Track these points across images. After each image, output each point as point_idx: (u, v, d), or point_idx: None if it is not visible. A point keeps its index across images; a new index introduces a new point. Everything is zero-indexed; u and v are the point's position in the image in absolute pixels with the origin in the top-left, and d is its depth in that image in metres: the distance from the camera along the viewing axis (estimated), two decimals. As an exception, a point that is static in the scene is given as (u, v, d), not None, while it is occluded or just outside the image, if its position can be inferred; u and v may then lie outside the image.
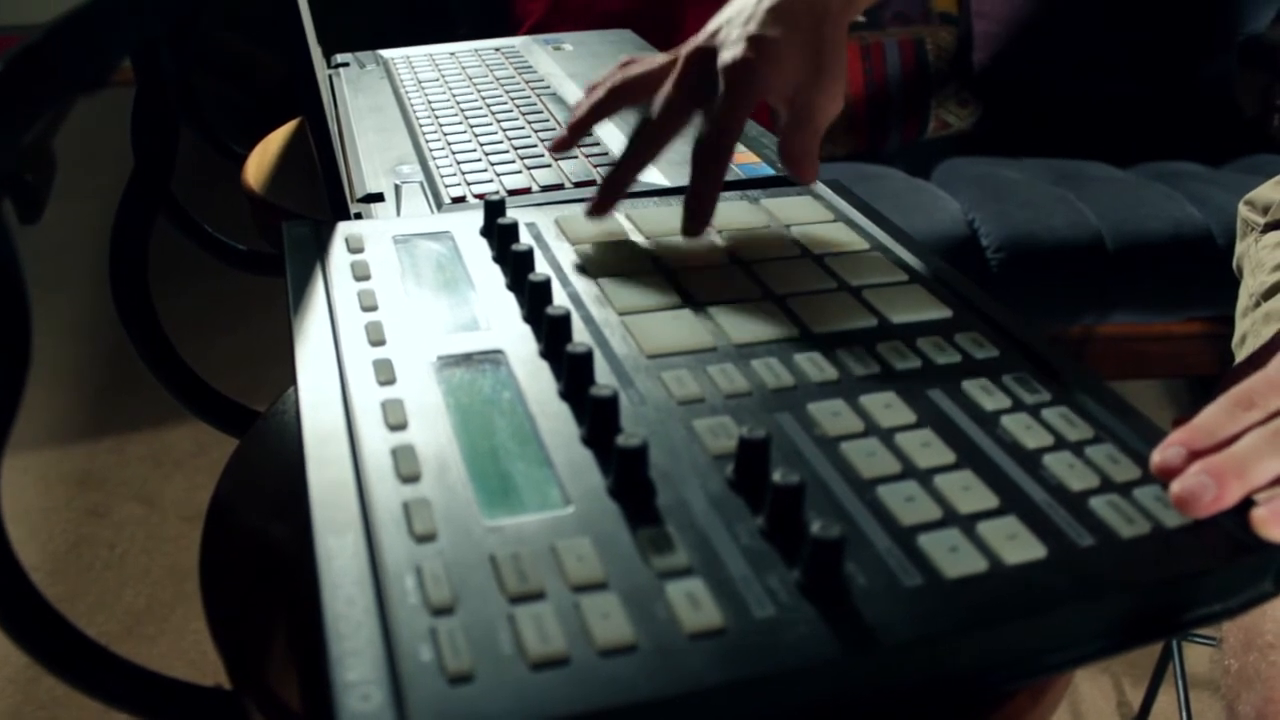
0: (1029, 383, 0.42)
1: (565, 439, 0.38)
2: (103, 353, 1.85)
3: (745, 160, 0.66)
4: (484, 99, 0.80)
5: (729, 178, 0.63)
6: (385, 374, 0.41)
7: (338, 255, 0.51)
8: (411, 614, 0.30)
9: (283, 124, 0.97)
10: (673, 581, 0.31)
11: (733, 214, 0.57)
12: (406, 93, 0.82)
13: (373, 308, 0.46)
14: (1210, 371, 1.34)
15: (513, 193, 0.62)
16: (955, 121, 1.56)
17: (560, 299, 0.48)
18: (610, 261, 0.51)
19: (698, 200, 0.52)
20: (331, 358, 0.42)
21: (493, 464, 0.36)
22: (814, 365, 0.43)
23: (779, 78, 0.52)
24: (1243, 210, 0.76)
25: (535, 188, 0.63)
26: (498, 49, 0.94)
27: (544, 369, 0.42)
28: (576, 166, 0.66)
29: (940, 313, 0.47)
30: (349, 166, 0.66)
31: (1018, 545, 0.33)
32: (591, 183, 0.63)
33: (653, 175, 0.63)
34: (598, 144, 0.67)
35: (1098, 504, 0.35)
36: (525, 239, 0.53)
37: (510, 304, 0.47)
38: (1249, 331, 0.68)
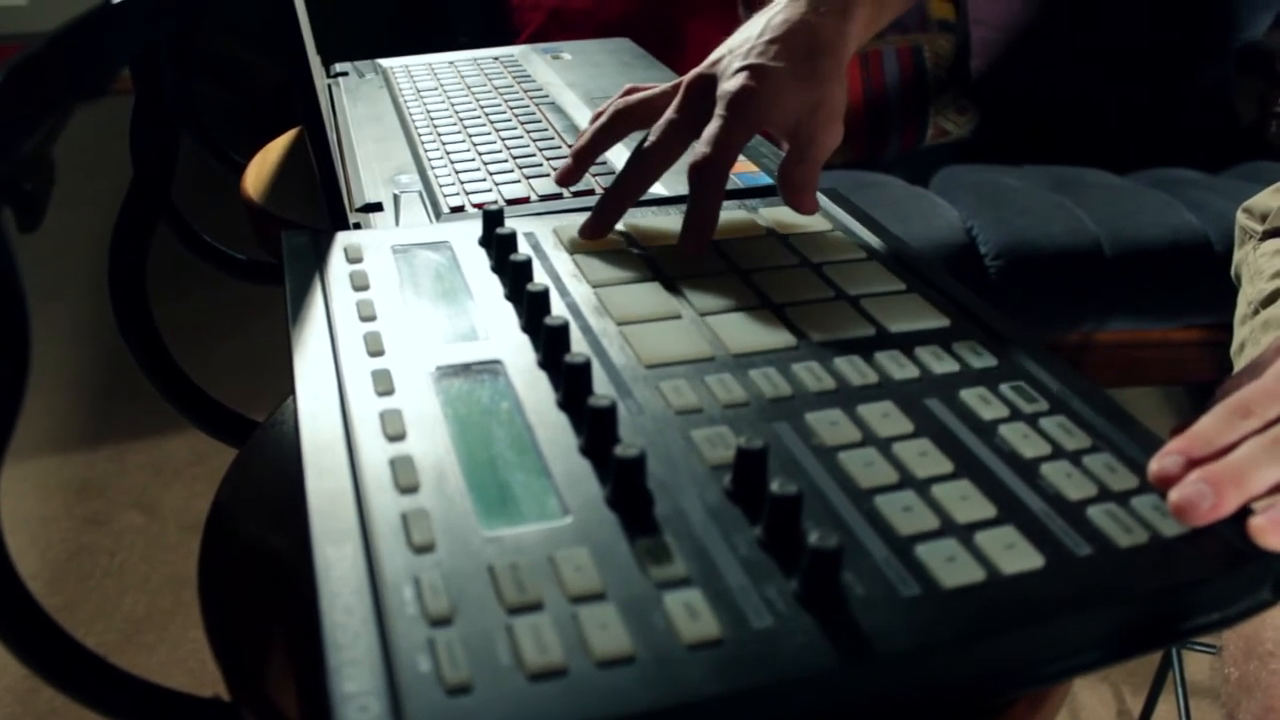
0: (1026, 392, 0.42)
1: (563, 449, 0.38)
2: (102, 361, 1.85)
3: (744, 170, 0.66)
4: (483, 108, 0.80)
5: (728, 187, 0.63)
6: (384, 384, 0.41)
7: (336, 265, 0.51)
8: (410, 624, 0.30)
9: (282, 133, 0.97)
10: (671, 592, 0.31)
11: (731, 223, 0.57)
12: (405, 102, 0.82)
13: (371, 318, 0.46)
14: (1209, 378, 1.34)
15: (511, 202, 0.63)
16: (953, 129, 1.56)
17: (558, 309, 0.48)
18: (608, 271, 0.51)
19: (695, 222, 0.53)
20: (330, 368, 0.42)
21: (491, 474, 0.36)
22: (812, 375, 0.43)
23: (778, 108, 0.53)
24: (1241, 218, 0.76)
25: (534, 197, 0.63)
26: (496, 58, 0.94)
27: (542, 379, 0.42)
28: (575, 177, 0.66)
29: (938, 322, 0.47)
30: (348, 176, 0.66)
31: (1015, 555, 0.33)
32: (590, 193, 0.63)
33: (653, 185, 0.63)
34: (604, 163, 0.67)
35: (1095, 513, 0.35)
36: (524, 249, 0.53)
37: (509, 314, 0.47)
38: (1247, 339, 0.68)
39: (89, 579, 1.39)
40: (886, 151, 1.55)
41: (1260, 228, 0.73)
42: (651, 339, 0.45)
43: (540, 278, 0.50)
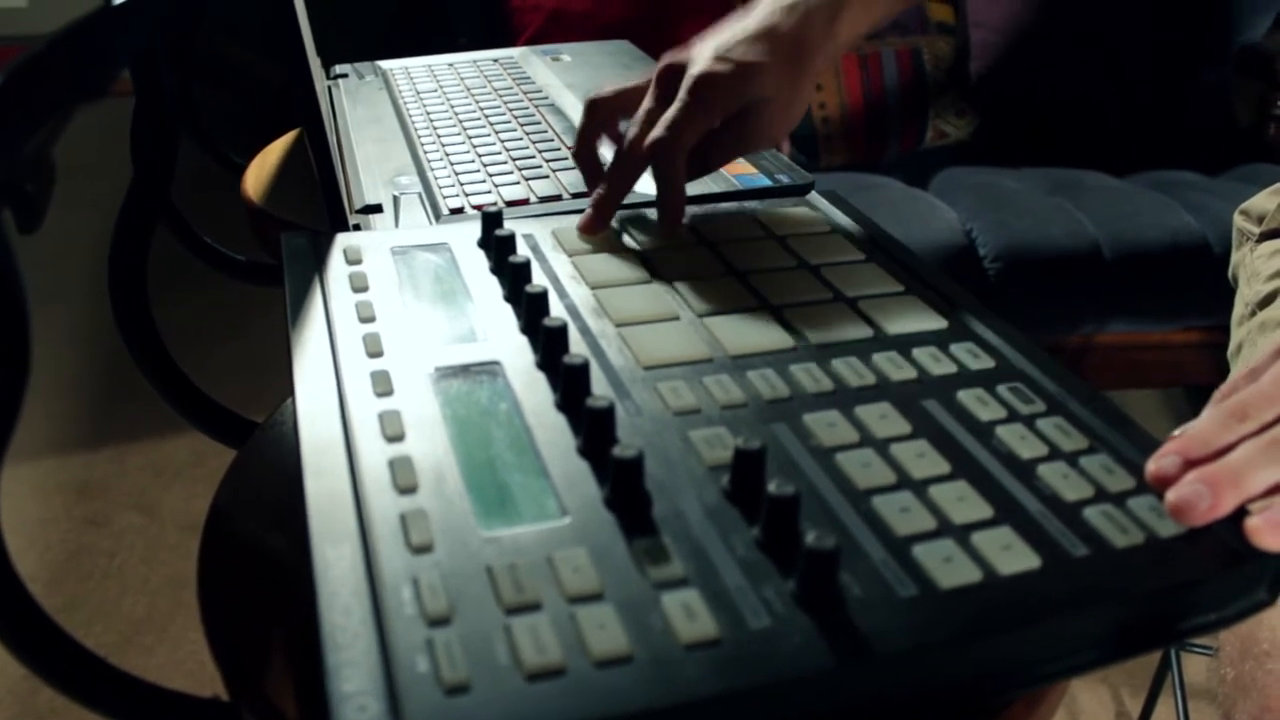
0: (1024, 393, 0.42)
1: (562, 450, 0.38)
2: (101, 362, 1.85)
3: (741, 171, 0.66)
4: (482, 110, 0.80)
5: (725, 189, 0.64)
6: (383, 385, 0.41)
7: (336, 266, 0.51)
8: (408, 625, 0.30)
9: (282, 134, 0.97)
10: (668, 592, 0.31)
11: (729, 225, 0.57)
12: (405, 104, 0.82)
13: (370, 319, 0.46)
14: (1208, 380, 1.34)
15: (510, 204, 0.63)
16: (953, 131, 1.56)
17: (557, 310, 0.48)
18: (607, 273, 0.52)
19: (664, 203, 0.55)
20: (329, 369, 0.42)
21: (489, 475, 0.37)
22: (809, 376, 0.43)
23: (739, 94, 0.55)
24: (1238, 220, 0.76)
25: (533, 199, 0.63)
26: (496, 60, 0.94)
27: (541, 380, 0.42)
28: (574, 178, 0.66)
29: (936, 323, 0.47)
30: (347, 177, 0.66)
31: (1012, 555, 0.33)
32: (589, 194, 0.64)
33: (649, 186, 0.63)
34: (604, 163, 0.67)
35: (1092, 514, 0.35)
36: (522, 250, 0.54)
37: (507, 315, 0.47)
38: (1245, 340, 0.68)
39: (88, 580, 1.39)
40: (886, 154, 1.55)
41: (1257, 229, 0.73)
42: (650, 340, 0.45)
43: (539, 279, 0.51)
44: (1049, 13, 1.56)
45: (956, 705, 0.32)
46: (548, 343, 0.43)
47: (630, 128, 0.56)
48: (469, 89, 0.85)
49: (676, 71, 0.56)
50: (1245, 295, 0.71)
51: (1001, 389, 0.42)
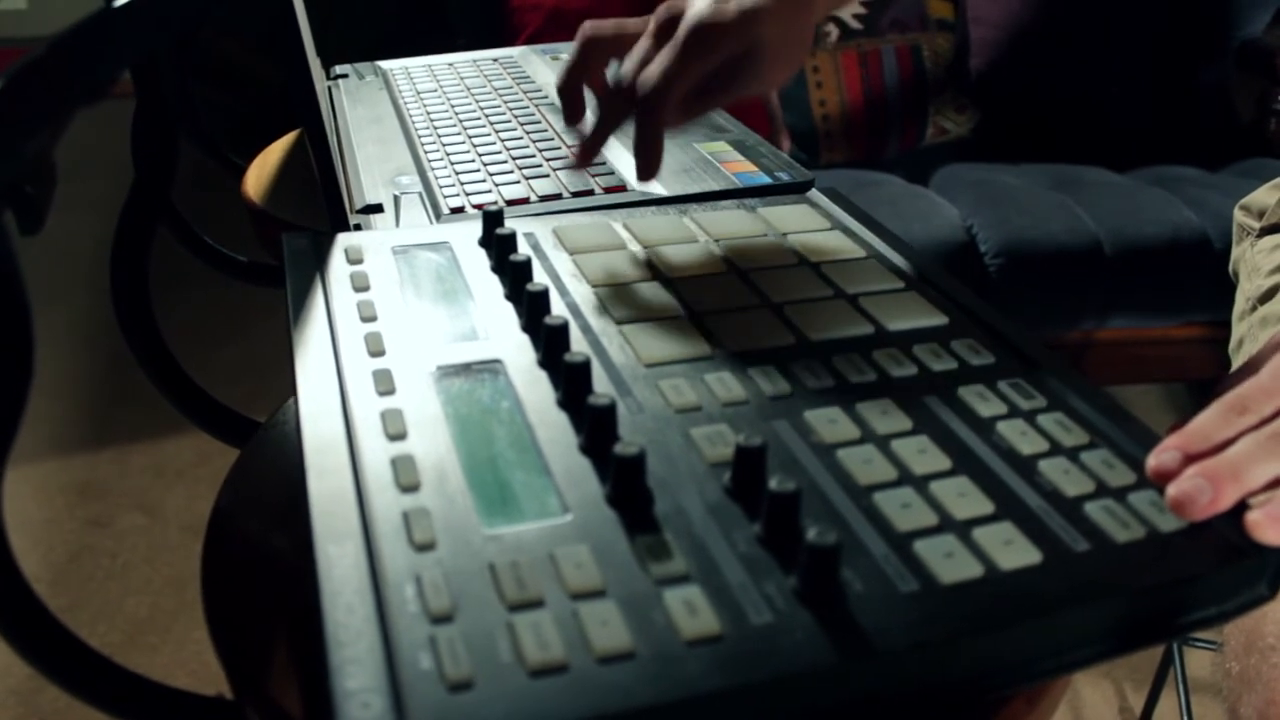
0: (1024, 389, 0.42)
1: (563, 448, 0.38)
2: (104, 363, 1.85)
3: (742, 169, 0.66)
4: (482, 109, 0.80)
5: (726, 186, 0.64)
6: (384, 384, 0.41)
7: (337, 266, 0.51)
8: (411, 622, 0.30)
9: (282, 135, 0.97)
10: (670, 589, 0.32)
11: (730, 222, 0.57)
12: (405, 104, 0.82)
13: (372, 318, 0.46)
14: (1209, 375, 1.34)
15: (511, 203, 0.63)
16: (953, 128, 1.56)
17: (558, 308, 0.48)
18: (608, 271, 0.52)
19: (643, 149, 0.53)
20: (331, 368, 0.43)
21: (491, 473, 0.37)
22: (810, 373, 0.43)
23: (739, 36, 0.53)
24: (1238, 215, 0.76)
25: (533, 198, 0.63)
26: (496, 59, 0.94)
27: (542, 378, 0.42)
28: (575, 177, 0.66)
29: (936, 320, 0.47)
30: (348, 177, 0.66)
31: (1013, 551, 0.33)
32: (589, 192, 0.64)
33: (651, 185, 0.63)
34: (604, 162, 0.67)
35: (1093, 509, 0.35)
36: (523, 249, 0.54)
37: (509, 314, 0.47)
38: (1245, 335, 0.68)
39: (91, 581, 1.40)
40: (886, 151, 1.55)
41: (1257, 224, 0.73)
42: (651, 338, 0.45)
43: (540, 277, 0.51)
44: (1049, 9, 1.56)
45: (958, 701, 0.32)
46: (549, 341, 0.43)
47: (624, 66, 0.55)
48: (469, 88, 0.86)
49: (675, 15, 0.54)
50: (1246, 290, 0.71)
51: (1002, 385, 0.42)
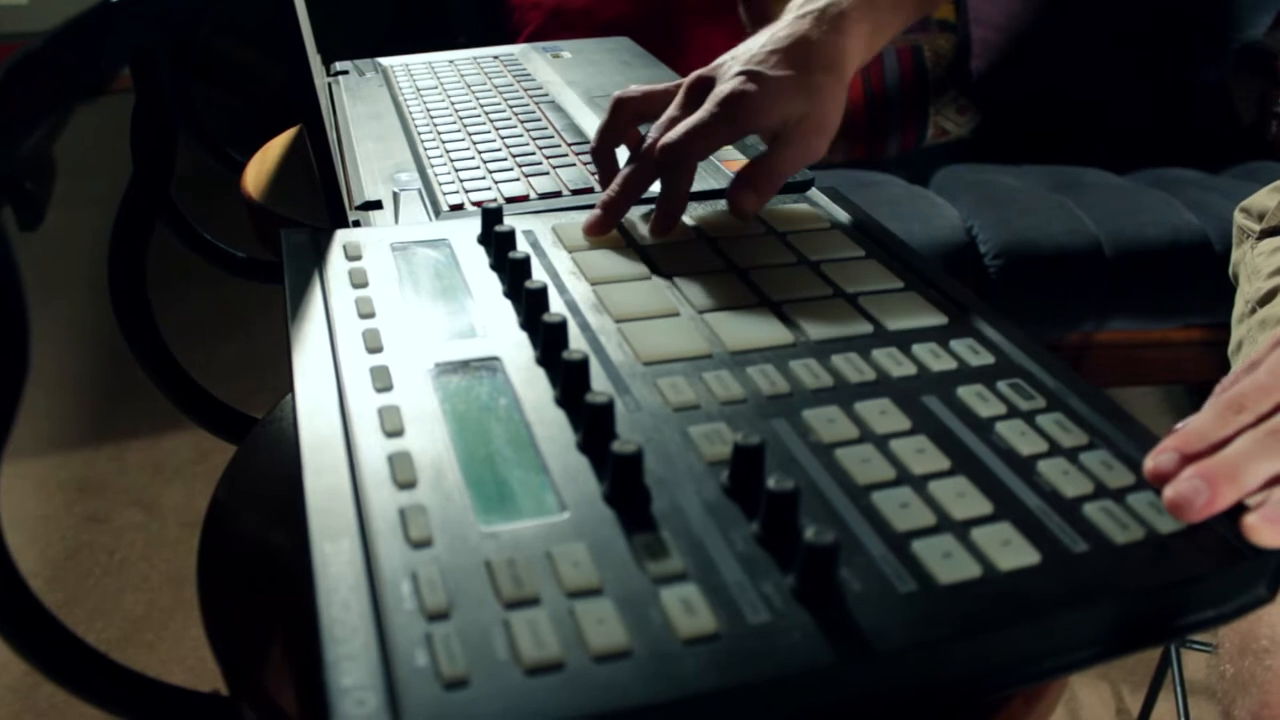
0: (1023, 389, 0.42)
1: (561, 445, 0.38)
2: (102, 359, 1.85)
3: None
4: (482, 107, 0.80)
5: (725, 185, 0.63)
6: (382, 381, 0.41)
7: (336, 263, 0.51)
8: (407, 619, 0.30)
9: (281, 131, 0.97)
10: (667, 587, 0.31)
11: (729, 221, 0.57)
12: (405, 100, 0.82)
13: (370, 315, 0.46)
14: (1209, 378, 1.34)
15: (510, 200, 0.63)
16: (953, 128, 1.56)
17: (557, 306, 0.48)
18: (606, 269, 0.52)
19: (663, 207, 0.55)
20: (329, 365, 0.43)
21: (489, 470, 0.37)
22: (809, 372, 0.43)
23: (766, 113, 0.54)
24: (1238, 217, 0.76)
25: (533, 195, 0.63)
26: (496, 57, 0.94)
27: (540, 376, 0.42)
28: (574, 174, 0.66)
29: (936, 319, 0.47)
30: (347, 174, 0.66)
31: (1011, 551, 0.33)
32: (589, 190, 0.64)
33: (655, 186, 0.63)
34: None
35: (1091, 510, 0.35)
36: (522, 246, 0.54)
37: (507, 311, 0.47)
38: (1244, 338, 0.68)
39: (89, 577, 1.39)
40: (886, 151, 1.55)
41: (1257, 227, 0.73)
42: (649, 336, 0.45)
43: (539, 275, 0.51)
44: (1051, 11, 1.55)
45: (956, 701, 0.32)
46: (547, 338, 0.43)
47: (651, 131, 0.56)
48: (469, 86, 0.85)
49: (706, 84, 0.56)
50: (1246, 292, 0.71)
51: (1001, 385, 0.42)
